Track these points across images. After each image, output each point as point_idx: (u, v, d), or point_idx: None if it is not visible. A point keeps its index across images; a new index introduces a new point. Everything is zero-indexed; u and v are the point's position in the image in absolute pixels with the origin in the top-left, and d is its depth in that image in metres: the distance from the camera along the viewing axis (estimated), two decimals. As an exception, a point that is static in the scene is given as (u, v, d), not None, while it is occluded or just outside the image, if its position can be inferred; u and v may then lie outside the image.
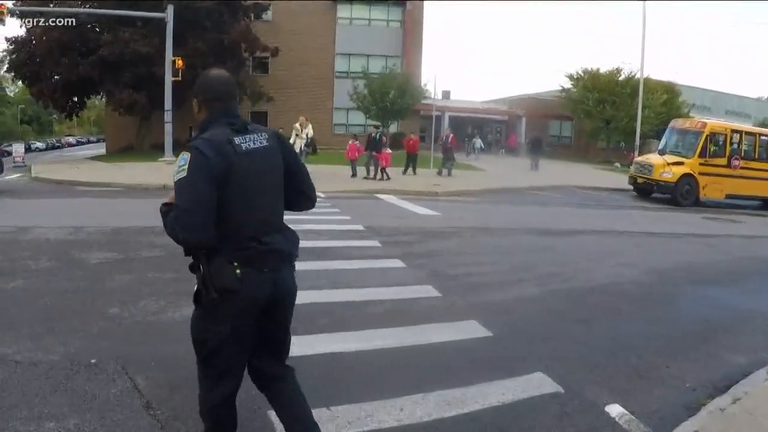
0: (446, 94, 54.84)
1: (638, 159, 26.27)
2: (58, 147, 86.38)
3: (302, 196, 3.36)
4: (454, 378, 4.85)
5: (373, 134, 24.48)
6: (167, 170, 20.41)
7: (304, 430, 3.31)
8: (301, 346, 5.29)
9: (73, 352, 5.02)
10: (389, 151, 25.05)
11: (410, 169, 26.55)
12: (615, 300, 7.73)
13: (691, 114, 42.51)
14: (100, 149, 57.30)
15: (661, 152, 23.37)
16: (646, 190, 23.75)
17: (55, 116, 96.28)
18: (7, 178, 27.49)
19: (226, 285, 2.89)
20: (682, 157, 22.79)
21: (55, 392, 4.27)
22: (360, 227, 12.26)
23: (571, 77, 49.92)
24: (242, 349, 3.12)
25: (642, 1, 34.40)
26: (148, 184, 20.16)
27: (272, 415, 4.03)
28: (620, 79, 47.44)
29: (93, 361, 4.83)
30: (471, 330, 6.08)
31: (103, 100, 44.83)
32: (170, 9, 28.17)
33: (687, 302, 8.10)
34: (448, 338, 5.81)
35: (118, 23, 34.88)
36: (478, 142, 45.44)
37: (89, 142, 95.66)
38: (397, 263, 9.04)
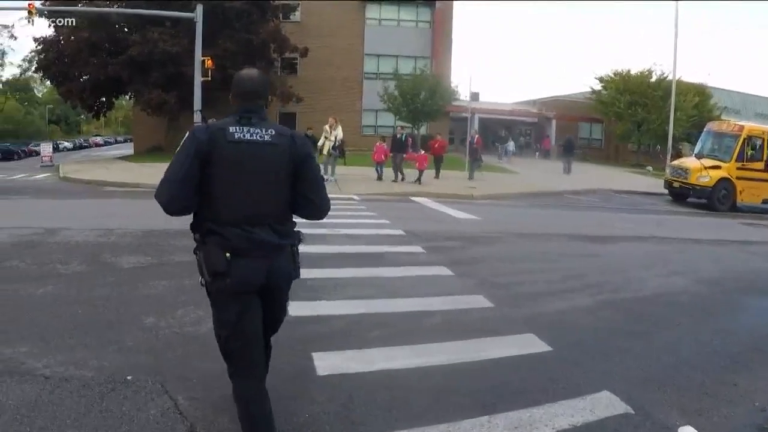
0: (475, 96, 54.35)
1: (674, 163, 25.89)
2: (86, 147, 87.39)
3: (307, 203, 3.41)
4: (519, 397, 4.53)
5: (399, 135, 24.19)
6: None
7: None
8: (358, 362, 5.06)
9: (108, 367, 4.68)
10: (423, 152, 24.71)
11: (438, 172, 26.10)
12: (671, 311, 7.38)
13: (722, 117, 41.80)
14: (128, 149, 57.61)
15: (698, 156, 22.90)
16: (682, 194, 23.35)
17: (83, 116, 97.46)
18: (35, 177, 27.68)
19: (216, 268, 3.12)
20: (719, 160, 22.40)
21: (89, 413, 3.92)
22: (401, 232, 11.97)
23: (601, 79, 49.34)
24: (248, 342, 3.26)
25: (675, 1, 33.69)
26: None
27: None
28: (651, 80, 46.77)
29: (129, 377, 4.48)
30: (529, 344, 5.75)
31: (131, 100, 44.99)
32: (199, 9, 28.08)
33: (743, 314, 7.75)
34: (507, 353, 5.45)
35: (147, 23, 34.96)
36: (511, 145, 44.72)
37: (116, 142, 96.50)
38: (444, 271, 8.71)
